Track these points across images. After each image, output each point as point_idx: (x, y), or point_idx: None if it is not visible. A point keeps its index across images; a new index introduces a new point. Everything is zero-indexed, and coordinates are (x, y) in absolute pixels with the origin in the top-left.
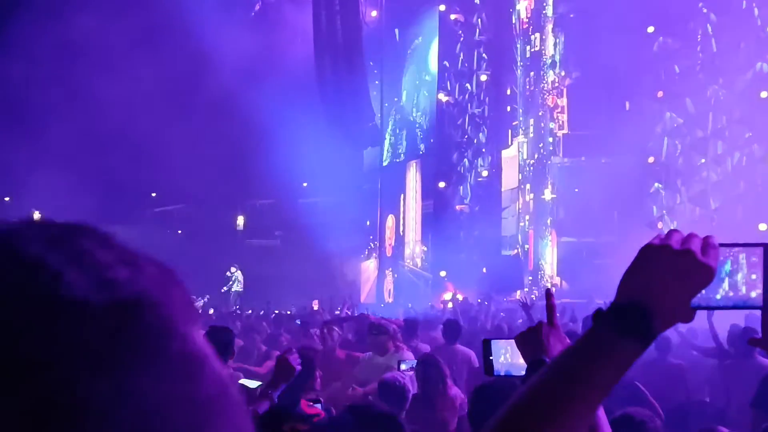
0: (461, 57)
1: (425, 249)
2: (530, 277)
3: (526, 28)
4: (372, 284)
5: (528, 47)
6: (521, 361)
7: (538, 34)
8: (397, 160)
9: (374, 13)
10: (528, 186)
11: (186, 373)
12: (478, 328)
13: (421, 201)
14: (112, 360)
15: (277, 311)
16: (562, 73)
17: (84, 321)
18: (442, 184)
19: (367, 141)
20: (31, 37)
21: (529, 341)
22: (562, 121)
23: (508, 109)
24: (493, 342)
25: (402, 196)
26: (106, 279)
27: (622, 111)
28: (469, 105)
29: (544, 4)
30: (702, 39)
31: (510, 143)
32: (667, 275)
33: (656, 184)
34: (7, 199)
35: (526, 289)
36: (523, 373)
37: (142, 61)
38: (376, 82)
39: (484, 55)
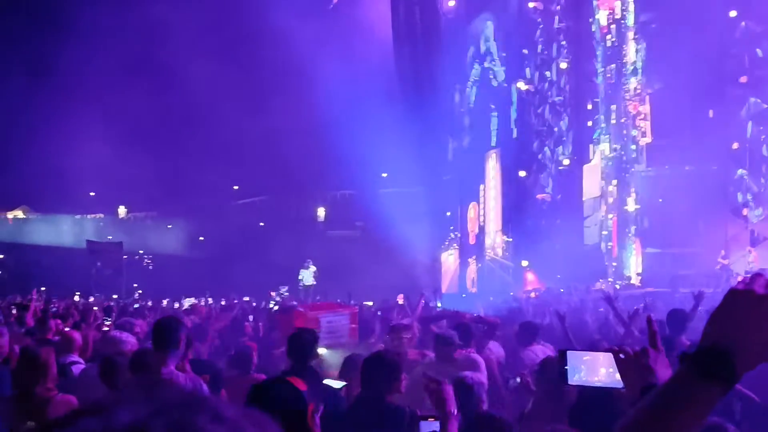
0: (540, 45)
1: (506, 239)
2: (615, 263)
3: (605, 35)
4: (453, 274)
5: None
6: (599, 371)
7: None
8: (477, 150)
9: (452, 3)
10: (610, 197)
11: None
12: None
13: (501, 190)
14: None
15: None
16: (644, 81)
17: None
18: (522, 173)
19: (447, 131)
20: (112, 26)
21: (636, 366)
22: (645, 129)
23: (589, 106)
24: (569, 353)
25: (482, 186)
26: None
27: (706, 119)
28: (549, 93)
29: (625, 13)
30: None
31: (591, 156)
32: (750, 319)
33: (740, 171)
34: (92, 194)
35: (610, 279)
36: (598, 384)
37: (221, 57)
38: (460, 71)
39: (563, 42)
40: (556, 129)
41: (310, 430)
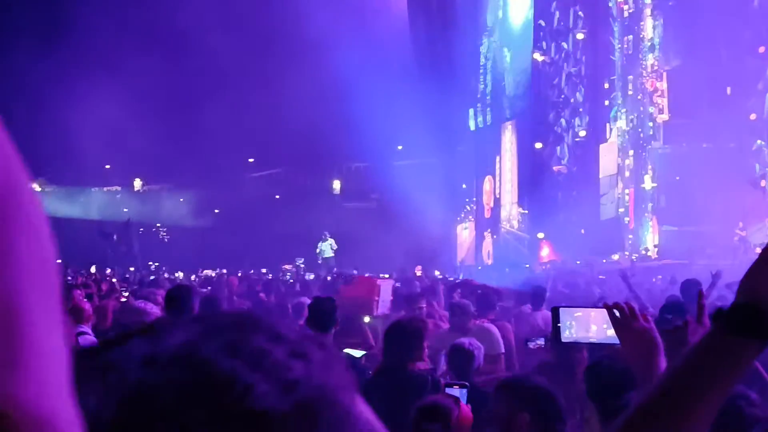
0: (557, 15)
1: (522, 211)
2: (631, 236)
3: (621, 8)
4: (469, 246)
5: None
6: (592, 328)
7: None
8: (492, 122)
9: None
10: (627, 170)
11: None
12: (578, 295)
13: (517, 162)
14: None
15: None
16: (662, 57)
17: (275, 429)
18: (538, 145)
19: (463, 102)
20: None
21: (677, 339)
22: (662, 106)
23: (606, 86)
24: (562, 310)
25: (497, 158)
26: (287, 381)
27: (724, 96)
28: (565, 64)
29: None
30: None
31: (608, 136)
32: None
33: (758, 141)
34: (107, 166)
35: (626, 253)
36: (592, 340)
37: (237, 28)
38: (475, 43)
39: (580, 13)
40: (572, 100)
41: None
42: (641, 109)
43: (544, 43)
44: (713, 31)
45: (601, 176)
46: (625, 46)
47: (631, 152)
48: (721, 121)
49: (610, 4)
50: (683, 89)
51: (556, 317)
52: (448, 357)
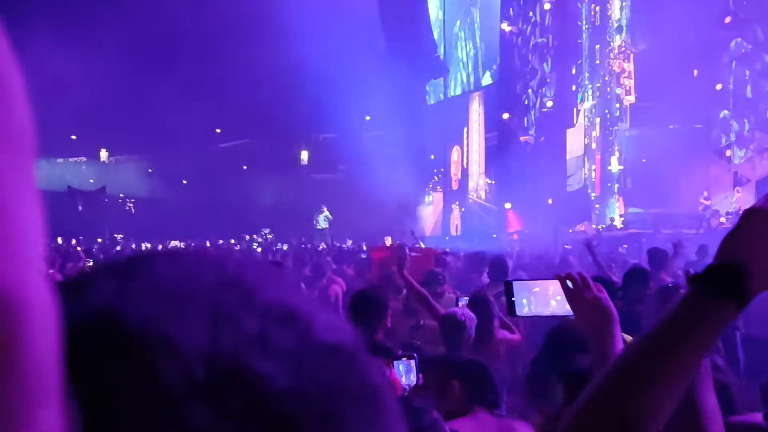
0: None
1: (489, 181)
2: (597, 205)
3: None
4: (437, 217)
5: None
6: (548, 302)
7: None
8: (459, 93)
9: None
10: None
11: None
12: (544, 265)
13: (485, 133)
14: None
15: (339, 244)
16: (629, 40)
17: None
18: (506, 116)
19: (430, 73)
20: None
21: (585, 294)
22: (629, 87)
23: (573, 71)
24: (515, 283)
25: (465, 129)
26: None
27: (691, 78)
28: (533, 35)
29: None
30: None
31: (575, 121)
32: (766, 237)
33: (724, 112)
34: (73, 137)
35: (593, 225)
36: (547, 313)
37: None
38: (439, 15)
39: None
40: (539, 71)
41: None
42: (608, 90)
43: (511, 12)
44: (679, 12)
45: (568, 157)
46: (592, 19)
47: (597, 120)
48: (688, 103)
49: None
50: (650, 72)
51: (509, 291)
52: (440, 326)
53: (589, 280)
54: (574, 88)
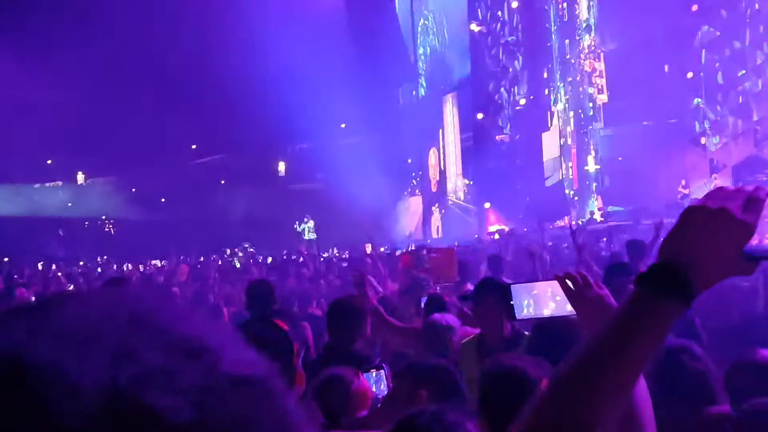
0: None
1: (468, 182)
2: (576, 198)
3: None
4: (418, 220)
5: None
6: (548, 303)
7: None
8: (431, 94)
9: None
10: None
11: None
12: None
13: (460, 134)
14: None
15: (325, 254)
16: (598, 39)
17: None
18: (480, 116)
19: (402, 77)
20: None
21: (587, 292)
22: (601, 86)
23: (545, 75)
24: (513, 287)
25: (440, 131)
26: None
27: (662, 74)
28: (502, 33)
29: None
30: None
31: (549, 125)
32: (705, 234)
33: (696, 99)
34: (49, 161)
35: (574, 221)
36: (547, 314)
37: (173, 16)
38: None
39: None
40: (510, 69)
41: (294, 370)
42: (580, 90)
43: (479, 12)
44: (646, 7)
45: (545, 159)
46: (560, 13)
47: (571, 113)
48: (661, 99)
49: None
50: (621, 70)
51: (508, 295)
52: (422, 333)
53: (589, 279)
54: (546, 92)
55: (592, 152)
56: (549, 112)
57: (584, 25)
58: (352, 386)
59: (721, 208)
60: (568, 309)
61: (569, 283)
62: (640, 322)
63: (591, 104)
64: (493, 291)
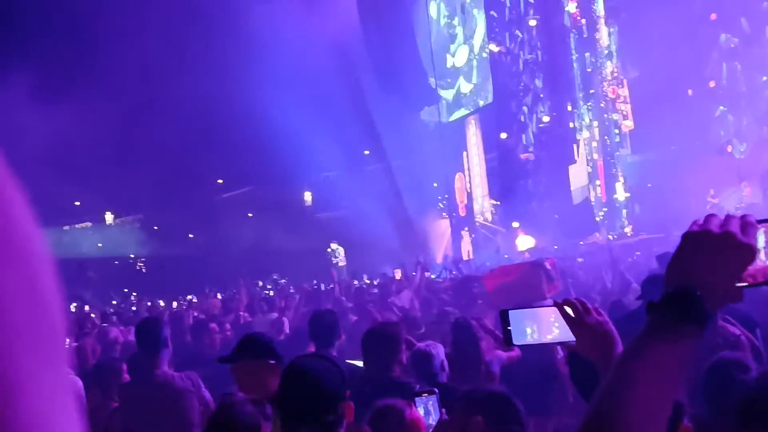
0: (508, 4)
1: (495, 202)
2: (605, 209)
3: (577, 19)
4: (446, 244)
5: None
6: (548, 329)
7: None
8: (454, 117)
9: None
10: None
11: None
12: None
13: (485, 155)
14: None
15: (357, 282)
16: (620, 65)
17: None
18: (503, 135)
19: (423, 101)
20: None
21: (587, 319)
22: (626, 112)
23: (569, 107)
24: (511, 312)
25: (465, 153)
26: None
27: (686, 98)
28: (521, 52)
29: (594, 7)
30: None
31: (576, 157)
32: (711, 259)
33: (720, 108)
34: (77, 203)
35: (601, 235)
36: (549, 339)
37: (194, 44)
38: (425, 40)
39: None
40: (532, 87)
41: (344, 410)
42: (605, 116)
43: (497, 31)
44: (667, 31)
45: (572, 188)
46: (579, 24)
47: (596, 155)
48: (685, 124)
49: (566, 15)
50: (645, 98)
51: (505, 320)
52: (410, 363)
53: (588, 305)
54: (572, 125)
55: (621, 179)
56: (574, 145)
57: (605, 51)
58: (405, 415)
59: (726, 232)
60: (568, 335)
61: (568, 309)
62: (662, 351)
63: (617, 131)
64: None
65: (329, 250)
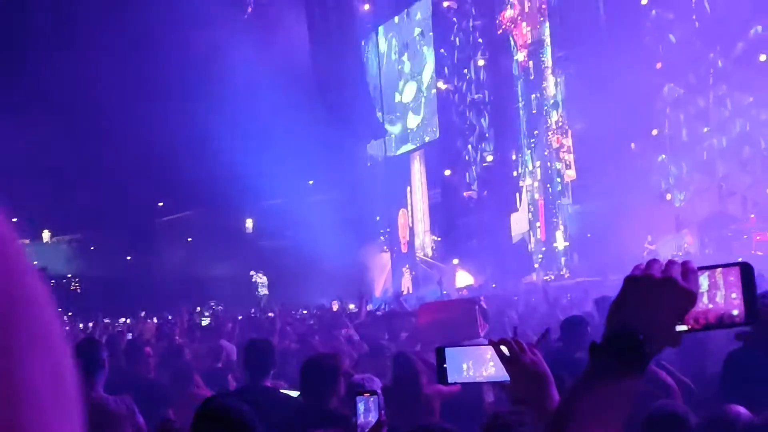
0: (457, 43)
1: (436, 238)
2: (543, 250)
3: (526, 67)
4: (387, 277)
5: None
6: (484, 367)
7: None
8: (400, 152)
9: (367, 7)
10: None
11: None
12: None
13: (428, 191)
14: None
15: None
16: (565, 116)
17: None
18: (447, 172)
19: (370, 134)
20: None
21: (522, 358)
22: (569, 161)
23: (513, 157)
24: (447, 350)
25: (408, 188)
26: None
27: (629, 152)
28: (468, 92)
29: (542, 57)
30: (696, 6)
31: (518, 205)
32: (652, 304)
33: (662, 156)
34: (14, 220)
35: (534, 276)
36: (485, 377)
37: (139, 65)
38: (375, 74)
39: (479, 40)
40: (477, 126)
41: None
42: (549, 165)
43: (446, 71)
44: (613, 81)
45: (513, 234)
46: (525, 65)
47: (537, 196)
48: (627, 174)
49: (515, 63)
50: (588, 148)
51: (441, 358)
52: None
53: (524, 345)
54: (515, 173)
55: (561, 228)
56: (517, 194)
57: (551, 101)
58: None
59: (668, 277)
60: (503, 374)
61: (504, 348)
62: (605, 392)
63: (559, 179)
64: None
65: (252, 279)
